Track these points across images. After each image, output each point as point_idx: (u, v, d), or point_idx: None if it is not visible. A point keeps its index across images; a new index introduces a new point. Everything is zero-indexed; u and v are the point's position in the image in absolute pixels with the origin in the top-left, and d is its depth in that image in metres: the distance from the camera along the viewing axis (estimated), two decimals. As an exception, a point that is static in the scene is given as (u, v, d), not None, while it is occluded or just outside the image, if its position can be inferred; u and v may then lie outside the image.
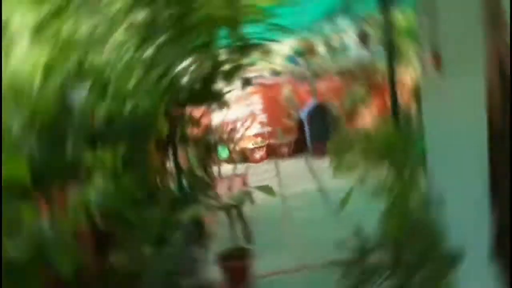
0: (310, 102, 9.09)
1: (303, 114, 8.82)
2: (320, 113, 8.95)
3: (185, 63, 2.92)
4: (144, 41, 2.88)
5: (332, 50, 7.53)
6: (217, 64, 3.30)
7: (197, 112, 3.82)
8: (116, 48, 3.05)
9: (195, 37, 3.28)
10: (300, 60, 9.73)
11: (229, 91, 3.60)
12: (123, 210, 2.92)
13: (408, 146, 2.97)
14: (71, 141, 2.03)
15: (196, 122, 3.46)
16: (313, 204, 6.08)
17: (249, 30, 4.40)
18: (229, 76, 3.33)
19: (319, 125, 9.17)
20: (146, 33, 3.02)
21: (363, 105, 9.22)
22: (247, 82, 3.31)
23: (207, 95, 3.43)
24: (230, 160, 9.96)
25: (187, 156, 4.26)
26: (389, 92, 3.68)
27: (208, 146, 3.44)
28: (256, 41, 3.63)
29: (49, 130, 1.93)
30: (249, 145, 9.57)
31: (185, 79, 3.02)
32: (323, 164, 8.08)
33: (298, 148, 9.40)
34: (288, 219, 5.73)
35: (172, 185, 3.49)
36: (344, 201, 3.12)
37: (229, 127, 10.06)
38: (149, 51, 3.19)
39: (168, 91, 2.86)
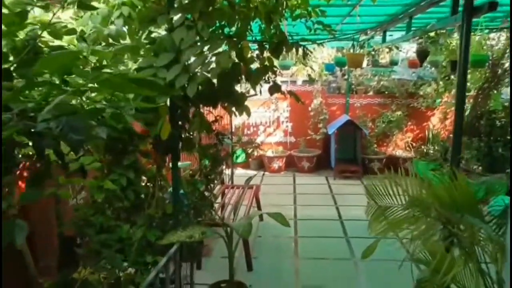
0: (341, 118, 8.38)
1: (331, 129, 8.13)
2: (349, 131, 8.23)
3: (202, 55, 2.31)
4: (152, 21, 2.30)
5: (377, 66, 6.84)
6: (243, 60, 2.69)
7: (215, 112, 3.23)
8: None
9: (222, 23, 2.68)
10: (339, 70, 9.05)
11: (253, 95, 2.98)
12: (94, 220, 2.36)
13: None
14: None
15: (207, 126, 2.84)
16: (327, 234, 5.40)
17: (290, 26, 3.79)
18: (255, 77, 2.71)
19: (347, 144, 8.45)
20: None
21: (398, 130, 8.47)
22: (276, 88, 2.58)
23: (223, 95, 2.81)
24: (246, 165, 9.41)
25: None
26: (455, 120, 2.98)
27: (216, 156, 2.82)
28: (295, 40, 3.00)
29: None
30: (269, 152, 8.93)
31: (200, 72, 2.40)
32: (345, 189, 7.41)
33: (321, 165, 8.70)
34: (295, 250, 5.06)
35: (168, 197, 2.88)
36: (367, 253, 2.48)
37: (250, 130, 9.55)
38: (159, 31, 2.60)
39: (175, 83, 2.26)
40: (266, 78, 2.83)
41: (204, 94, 2.78)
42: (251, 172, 8.87)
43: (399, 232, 2.20)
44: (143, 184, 2.84)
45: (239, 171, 8.98)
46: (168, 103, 2.65)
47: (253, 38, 3.08)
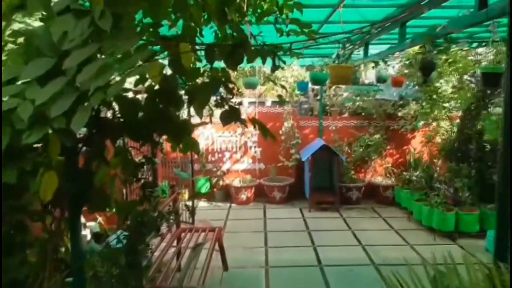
0: (315, 142, 7.54)
1: (305, 155, 7.27)
2: (325, 157, 7.39)
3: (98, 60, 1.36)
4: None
5: (356, 84, 6.06)
6: (181, 71, 1.77)
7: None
8: None
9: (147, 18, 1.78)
10: (311, 90, 8.24)
11: (201, 123, 2.05)
12: None
13: None
14: None
15: (131, 169, 1.88)
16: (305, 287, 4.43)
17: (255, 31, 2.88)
18: (201, 97, 1.77)
19: (322, 172, 7.60)
20: None
21: (376, 154, 7.71)
22: (231, 115, 1.61)
23: (156, 123, 1.89)
24: (210, 197, 8.35)
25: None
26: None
27: (143, 219, 1.83)
28: (260, 48, 2.09)
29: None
30: (236, 182, 7.95)
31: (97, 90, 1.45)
32: (323, 223, 6.50)
33: (294, 195, 7.78)
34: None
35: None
36: None
37: (215, 156, 8.56)
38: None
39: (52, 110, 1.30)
40: (219, 99, 1.91)
41: (128, 123, 1.84)
42: (216, 204, 7.85)
43: None
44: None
45: (203, 203, 7.95)
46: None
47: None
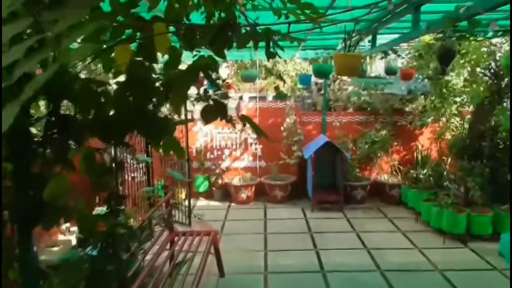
0: (318, 139, 7.20)
1: (308, 152, 6.94)
2: (328, 155, 7.06)
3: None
4: None
5: (363, 77, 5.67)
6: (152, 58, 1.45)
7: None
8: None
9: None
10: (314, 84, 7.89)
11: (185, 121, 1.73)
12: None
13: None
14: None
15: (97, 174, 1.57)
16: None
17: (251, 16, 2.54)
18: (178, 88, 1.45)
19: (325, 170, 7.27)
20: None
21: (383, 151, 7.36)
22: (216, 110, 1.27)
23: (130, 121, 1.56)
24: (209, 195, 8.01)
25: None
26: None
27: (114, 237, 1.51)
28: (252, 30, 1.75)
29: None
30: (235, 180, 7.64)
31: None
32: (325, 224, 6.17)
33: (296, 194, 7.45)
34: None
35: None
36: None
37: (214, 154, 8.24)
38: None
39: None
40: (202, 92, 1.58)
41: (97, 121, 1.53)
42: (214, 204, 7.55)
43: None
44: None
45: (201, 202, 7.65)
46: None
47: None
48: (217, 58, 1.61)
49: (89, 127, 1.57)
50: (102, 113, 1.52)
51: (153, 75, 1.54)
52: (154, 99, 1.59)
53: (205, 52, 1.69)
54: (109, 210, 1.49)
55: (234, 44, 1.65)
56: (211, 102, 1.58)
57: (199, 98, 1.52)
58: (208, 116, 1.49)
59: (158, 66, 1.93)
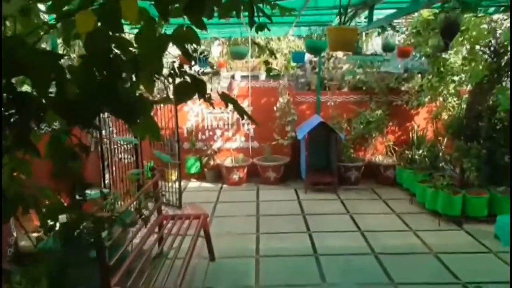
0: (312, 119, 7.03)
1: (301, 133, 6.77)
2: (322, 135, 6.91)
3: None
4: None
5: (358, 54, 5.44)
6: (118, 28, 1.25)
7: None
8: None
9: None
10: (308, 63, 7.65)
11: (162, 100, 1.55)
12: None
13: None
14: None
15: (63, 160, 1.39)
16: (299, 281, 4.00)
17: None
18: (146, 62, 1.26)
19: (319, 150, 7.12)
20: None
21: (377, 132, 7.20)
22: (189, 89, 1.07)
23: (100, 100, 1.37)
24: (201, 177, 7.85)
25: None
26: None
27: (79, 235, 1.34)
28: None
29: None
30: (227, 161, 7.48)
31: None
32: (319, 206, 6.05)
33: (289, 176, 7.32)
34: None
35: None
36: None
37: (206, 134, 8.05)
38: None
39: None
40: (177, 69, 1.39)
41: (62, 100, 1.35)
42: (206, 185, 7.41)
43: None
44: None
45: (193, 183, 7.51)
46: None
47: None
48: (198, 30, 1.41)
49: (52, 107, 1.39)
50: (65, 91, 1.34)
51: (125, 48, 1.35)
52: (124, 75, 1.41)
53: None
54: (73, 199, 1.32)
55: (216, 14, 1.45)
56: (187, 79, 1.40)
57: (172, 75, 1.33)
58: (183, 94, 1.30)
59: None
